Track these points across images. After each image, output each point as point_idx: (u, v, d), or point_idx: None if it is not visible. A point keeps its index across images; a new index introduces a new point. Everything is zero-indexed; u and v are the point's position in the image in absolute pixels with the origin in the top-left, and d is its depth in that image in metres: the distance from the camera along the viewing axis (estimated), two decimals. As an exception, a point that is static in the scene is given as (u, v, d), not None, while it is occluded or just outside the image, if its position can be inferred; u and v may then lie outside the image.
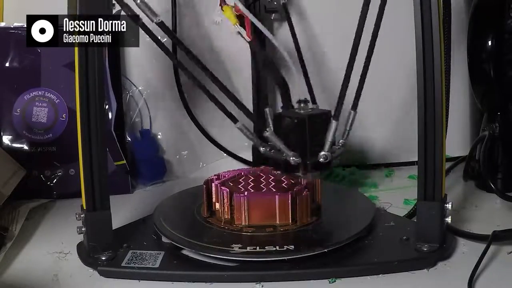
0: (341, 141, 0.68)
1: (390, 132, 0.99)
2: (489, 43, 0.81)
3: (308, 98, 0.80)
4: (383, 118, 0.99)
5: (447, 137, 0.63)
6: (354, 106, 0.65)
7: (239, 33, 0.67)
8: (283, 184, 0.68)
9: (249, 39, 0.68)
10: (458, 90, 0.94)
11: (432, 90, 0.59)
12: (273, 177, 0.69)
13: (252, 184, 0.68)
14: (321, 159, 0.65)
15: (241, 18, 0.68)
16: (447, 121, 0.70)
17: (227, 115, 0.62)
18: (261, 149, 0.66)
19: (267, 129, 0.64)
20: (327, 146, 0.65)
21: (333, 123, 0.64)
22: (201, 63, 0.61)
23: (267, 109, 0.75)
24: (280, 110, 0.71)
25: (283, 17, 0.92)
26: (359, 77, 0.64)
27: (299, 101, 0.69)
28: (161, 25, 0.60)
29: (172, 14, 0.92)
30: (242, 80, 0.96)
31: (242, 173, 0.72)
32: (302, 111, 0.67)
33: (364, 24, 0.61)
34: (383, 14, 0.61)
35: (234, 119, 0.63)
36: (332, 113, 0.65)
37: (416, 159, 0.61)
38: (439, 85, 0.59)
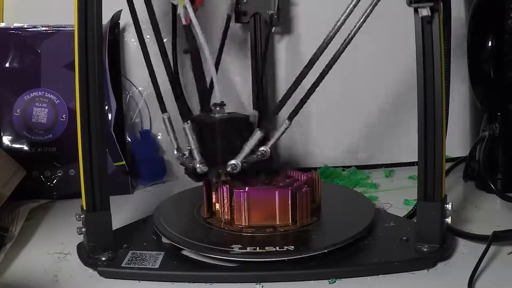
0: (262, 149, 0.62)
1: (390, 132, 0.99)
2: (489, 43, 0.81)
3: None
4: (383, 117, 0.99)
5: (447, 137, 0.63)
6: (291, 117, 0.61)
7: (179, 14, 0.65)
8: (283, 181, 0.68)
9: (184, 23, 0.64)
10: (458, 90, 0.94)
11: (432, 91, 0.59)
12: (274, 175, 0.69)
13: (252, 181, 0.68)
14: (229, 168, 0.61)
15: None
16: (447, 121, 0.70)
17: (158, 101, 0.62)
18: (175, 152, 0.64)
19: (188, 122, 0.60)
20: (241, 155, 0.61)
21: (257, 133, 0.61)
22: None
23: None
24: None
25: (283, 30, 0.91)
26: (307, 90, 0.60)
27: (215, 104, 0.64)
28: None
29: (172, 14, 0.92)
30: (242, 81, 0.96)
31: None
32: (216, 115, 0.63)
33: (330, 41, 0.58)
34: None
35: (163, 109, 0.61)
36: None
37: (416, 159, 0.61)
38: (439, 85, 0.59)
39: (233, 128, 0.63)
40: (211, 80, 0.68)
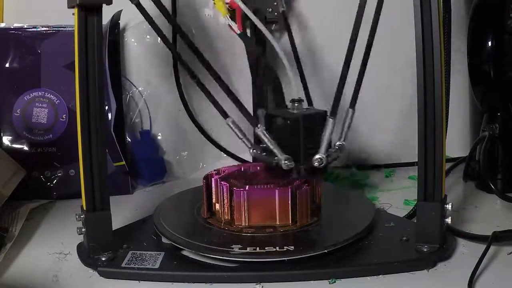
0: (338, 143, 0.64)
1: (390, 133, 0.99)
2: (489, 43, 0.81)
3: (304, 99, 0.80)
4: (383, 117, 0.99)
5: (447, 137, 0.63)
6: (352, 104, 0.62)
7: (229, 25, 0.66)
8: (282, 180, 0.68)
9: (239, 31, 0.65)
10: (458, 90, 0.94)
11: (432, 91, 0.59)
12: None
13: (252, 179, 0.68)
14: (316, 163, 0.61)
15: (233, 13, 0.67)
16: (447, 121, 0.70)
17: (217, 109, 0.60)
18: (251, 151, 0.64)
19: (259, 125, 0.60)
20: (323, 149, 0.61)
21: (330, 121, 0.61)
22: (197, 50, 0.59)
23: (260, 110, 0.72)
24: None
25: (283, 27, 0.92)
26: (357, 75, 0.62)
27: (293, 100, 0.65)
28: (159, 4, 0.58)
29: (172, 10, 0.92)
30: (242, 81, 0.96)
31: (242, 169, 0.72)
32: (295, 111, 0.64)
33: (360, 25, 0.59)
34: (380, 14, 0.60)
35: (224, 114, 0.60)
36: (329, 112, 0.62)
37: (416, 159, 0.61)
38: (439, 85, 0.59)
39: (314, 123, 0.63)
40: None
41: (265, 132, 0.61)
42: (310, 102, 0.81)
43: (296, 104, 0.65)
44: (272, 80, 0.68)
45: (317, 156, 0.61)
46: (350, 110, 0.63)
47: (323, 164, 0.61)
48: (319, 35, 0.96)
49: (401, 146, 0.98)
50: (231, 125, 0.61)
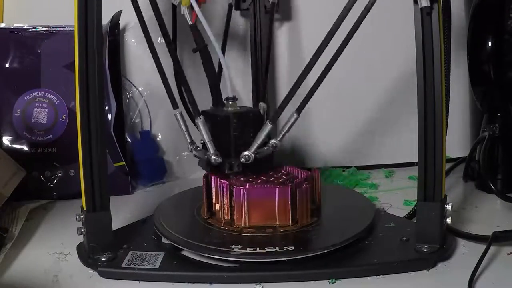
0: (272, 141, 0.64)
1: (390, 132, 0.99)
2: (489, 43, 0.81)
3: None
4: (383, 117, 0.99)
5: (447, 138, 0.63)
6: (299, 109, 0.62)
7: (183, 15, 0.67)
8: (283, 178, 0.68)
9: (191, 23, 0.67)
10: (458, 91, 0.94)
11: (432, 91, 0.59)
12: (272, 172, 0.69)
13: (252, 178, 0.68)
14: (242, 159, 0.63)
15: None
16: (447, 122, 0.70)
17: (170, 99, 0.64)
18: (189, 146, 0.66)
19: (200, 117, 0.63)
20: (253, 147, 0.63)
21: (267, 126, 0.63)
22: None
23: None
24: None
25: (283, 17, 0.92)
26: (315, 81, 0.60)
27: (227, 99, 0.67)
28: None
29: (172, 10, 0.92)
30: (242, 80, 0.96)
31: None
32: (229, 109, 0.66)
33: (336, 29, 0.58)
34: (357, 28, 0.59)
35: (174, 105, 0.63)
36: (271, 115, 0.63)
37: (416, 159, 0.61)
38: (439, 85, 0.59)
39: (245, 121, 0.65)
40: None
41: (204, 125, 0.63)
42: (263, 100, 0.81)
43: (230, 102, 0.67)
44: (213, 77, 0.70)
45: (245, 153, 0.63)
46: (295, 114, 0.62)
47: (250, 161, 0.63)
48: (305, 33, 0.96)
49: (401, 145, 0.98)
50: (178, 116, 0.64)
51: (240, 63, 0.96)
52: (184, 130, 0.66)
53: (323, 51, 0.59)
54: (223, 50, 0.80)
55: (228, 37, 0.82)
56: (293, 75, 0.95)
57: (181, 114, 0.66)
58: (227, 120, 0.65)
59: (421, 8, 0.57)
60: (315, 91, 0.61)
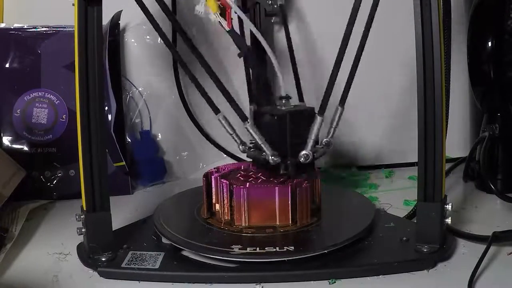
0: (325, 139, 0.65)
1: (390, 133, 0.99)
2: (489, 43, 0.81)
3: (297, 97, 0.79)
4: (383, 118, 0.99)
5: (447, 138, 0.63)
6: (342, 101, 0.63)
7: (219, 22, 0.66)
8: (282, 177, 0.68)
9: (228, 28, 0.66)
10: (458, 91, 0.94)
11: (432, 91, 0.59)
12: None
13: (252, 177, 0.68)
14: (302, 158, 0.62)
15: (224, 10, 0.67)
16: (447, 122, 0.70)
17: (209, 104, 0.61)
18: (240, 147, 0.65)
19: (247, 121, 0.62)
20: (309, 145, 0.63)
21: (318, 119, 0.62)
22: (192, 44, 0.60)
23: (251, 106, 0.72)
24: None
25: (282, 20, 0.91)
26: (348, 73, 0.62)
27: (281, 97, 0.66)
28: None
29: (172, 10, 0.92)
30: (241, 79, 0.96)
31: (242, 167, 0.72)
32: (283, 108, 0.65)
33: (354, 21, 0.60)
34: (374, 15, 0.60)
35: (216, 110, 0.61)
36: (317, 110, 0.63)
37: (416, 159, 0.61)
38: (439, 85, 0.59)
39: (301, 120, 0.64)
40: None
41: (254, 128, 0.62)
42: (301, 98, 0.81)
43: (284, 101, 0.66)
44: (261, 76, 0.69)
45: (303, 152, 0.62)
46: (339, 107, 0.64)
47: (309, 160, 0.63)
48: (317, 30, 0.96)
49: (401, 145, 0.98)
50: (222, 121, 0.63)
51: (240, 62, 0.96)
52: (231, 132, 0.64)
53: (347, 43, 0.60)
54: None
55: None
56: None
57: (224, 117, 0.63)
58: (283, 119, 0.63)
59: None
60: (351, 83, 0.62)
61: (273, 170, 0.65)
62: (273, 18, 0.91)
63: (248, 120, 0.62)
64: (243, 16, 0.67)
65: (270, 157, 0.62)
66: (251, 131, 0.62)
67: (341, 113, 0.64)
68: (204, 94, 0.62)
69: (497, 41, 0.81)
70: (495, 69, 0.81)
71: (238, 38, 0.69)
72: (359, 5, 0.59)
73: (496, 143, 0.83)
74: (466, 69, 0.87)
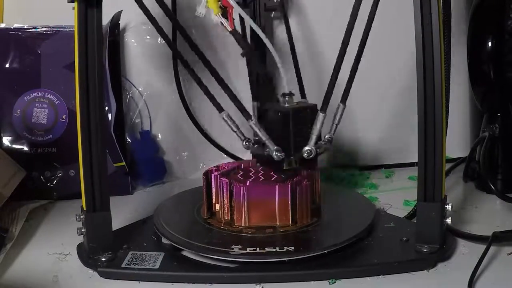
0: (327, 136, 0.66)
1: (390, 133, 0.99)
2: (489, 44, 0.81)
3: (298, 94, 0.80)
4: (383, 118, 0.99)
5: (447, 138, 0.63)
6: (343, 99, 0.65)
7: (221, 23, 0.67)
8: (282, 176, 0.68)
9: (230, 29, 0.67)
10: (458, 91, 0.94)
11: (432, 91, 0.59)
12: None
13: (252, 176, 0.68)
14: (305, 154, 0.63)
15: (225, 10, 0.68)
16: (447, 122, 0.70)
17: (213, 103, 0.62)
18: (244, 143, 0.67)
19: (252, 119, 0.63)
20: (312, 141, 0.64)
21: (320, 115, 0.64)
22: (193, 43, 0.61)
23: (253, 103, 0.74)
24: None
25: (282, 15, 0.92)
26: (349, 71, 0.64)
27: (284, 94, 0.67)
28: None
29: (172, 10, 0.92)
30: (242, 78, 0.96)
31: (242, 166, 0.72)
32: (286, 105, 0.66)
33: (355, 19, 0.61)
34: (375, 13, 0.61)
35: (219, 108, 0.63)
36: (319, 107, 0.64)
37: (416, 160, 0.61)
38: (439, 85, 0.59)
39: (304, 117, 0.65)
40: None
41: (258, 125, 0.63)
42: (303, 94, 0.82)
43: (287, 98, 0.67)
44: (263, 74, 0.71)
45: (306, 148, 0.64)
46: (341, 105, 0.65)
47: (312, 156, 0.64)
48: (317, 25, 0.96)
49: (401, 146, 0.98)
50: (226, 119, 0.64)
51: (240, 61, 0.96)
52: (235, 130, 0.65)
53: (349, 40, 0.61)
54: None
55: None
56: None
57: (227, 115, 0.64)
58: (287, 116, 0.64)
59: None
60: (352, 81, 0.64)
61: (276, 166, 0.65)
62: (273, 12, 0.91)
63: (252, 118, 0.63)
64: (245, 16, 0.67)
65: (274, 153, 0.63)
66: (255, 128, 0.63)
67: (343, 110, 0.65)
68: (207, 92, 0.63)
69: (497, 41, 0.81)
70: (495, 69, 0.81)
71: (240, 37, 0.69)
72: (359, 6, 0.59)
73: (496, 143, 0.83)
74: (466, 70, 0.87)
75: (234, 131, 0.65)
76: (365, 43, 0.62)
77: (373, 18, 0.61)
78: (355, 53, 0.64)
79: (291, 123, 0.64)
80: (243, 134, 0.66)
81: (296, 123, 0.64)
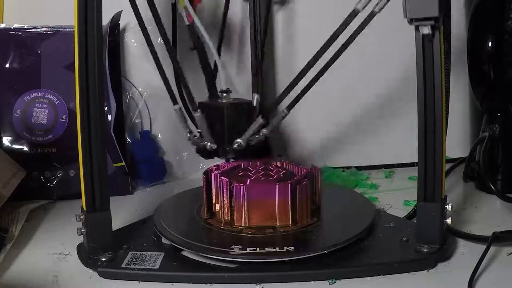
0: (264, 130, 0.69)
1: (390, 133, 0.99)
2: (489, 44, 0.81)
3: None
4: (383, 118, 0.99)
5: (447, 138, 0.63)
6: (289, 107, 0.67)
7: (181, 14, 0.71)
8: (282, 175, 0.68)
9: (187, 23, 0.71)
10: (458, 91, 0.94)
11: (432, 91, 0.59)
12: (273, 169, 0.69)
13: (252, 175, 0.68)
14: (235, 145, 0.68)
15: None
16: (447, 122, 0.70)
17: (170, 95, 0.70)
18: (187, 135, 0.72)
19: (198, 111, 0.69)
20: (245, 136, 0.68)
21: (259, 121, 0.68)
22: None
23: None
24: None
25: (283, 1, 0.93)
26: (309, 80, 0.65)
27: (221, 91, 0.72)
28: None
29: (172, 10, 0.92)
30: (242, 77, 0.96)
31: (242, 165, 0.72)
32: (224, 100, 0.72)
33: (335, 39, 0.62)
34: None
35: (174, 101, 0.69)
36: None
37: (416, 160, 0.61)
38: (439, 86, 0.59)
39: (238, 112, 0.70)
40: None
41: (199, 117, 0.69)
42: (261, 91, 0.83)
43: (224, 94, 0.72)
44: (208, 70, 0.76)
45: (237, 140, 0.68)
46: (285, 110, 0.67)
47: (242, 148, 0.68)
48: (303, 19, 0.96)
49: (401, 146, 0.98)
50: (178, 111, 0.70)
51: (236, 55, 0.96)
52: (183, 123, 0.71)
53: (322, 54, 0.62)
54: (220, 42, 0.85)
55: (225, 28, 0.87)
56: (289, 62, 0.97)
57: (180, 109, 0.71)
58: (221, 110, 0.69)
59: (422, 36, 0.58)
60: (306, 92, 0.65)
61: (212, 155, 0.72)
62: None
63: (198, 110, 0.69)
64: (193, 15, 0.70)
65: (208, 144, 0.70)
66: (198, 120, 0.69)
67: (283, 117, 0.68)
68: (166, 84, 0.71)
69: (497, 41, 0.81)
70: (495, 69, 0.81)
71: (194, 34, 0.73)
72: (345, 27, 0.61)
73: (496, 143, 0.83)
74: (466, 70, 0.87)
75: (182, 123, 0.71)
76: (336, 58, 0.63)
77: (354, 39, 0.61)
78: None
79: (226, 117, 0.69)
80: (189, 128, 0.72)
81: (230, 117, 0.69)
